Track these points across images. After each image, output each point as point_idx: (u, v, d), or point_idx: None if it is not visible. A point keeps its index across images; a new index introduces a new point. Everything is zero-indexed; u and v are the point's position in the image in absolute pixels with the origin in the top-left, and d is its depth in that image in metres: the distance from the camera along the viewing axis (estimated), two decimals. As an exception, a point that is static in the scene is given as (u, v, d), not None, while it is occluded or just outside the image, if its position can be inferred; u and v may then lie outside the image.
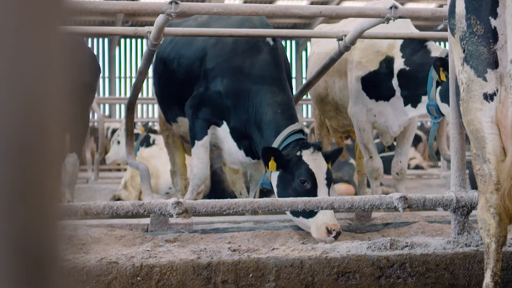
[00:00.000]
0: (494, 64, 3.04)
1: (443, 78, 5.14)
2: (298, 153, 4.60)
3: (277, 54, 5.23)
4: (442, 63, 5.09)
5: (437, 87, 5.23)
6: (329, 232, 4.25)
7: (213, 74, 5.24)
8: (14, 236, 0.70)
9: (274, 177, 4.64)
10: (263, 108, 4.99)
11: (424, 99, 5.45)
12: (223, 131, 5.27)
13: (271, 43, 5.25)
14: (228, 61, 5.21)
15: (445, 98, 5.17)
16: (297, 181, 4.51)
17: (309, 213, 4.37)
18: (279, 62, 5.20)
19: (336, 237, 4.25)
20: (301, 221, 4.41)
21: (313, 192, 4.48)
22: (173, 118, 6.01)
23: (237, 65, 5.17)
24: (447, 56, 5.22)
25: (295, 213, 4.41)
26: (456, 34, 3.19)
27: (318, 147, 4.64)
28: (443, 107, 5.22)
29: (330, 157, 4.80)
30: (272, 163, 4.56)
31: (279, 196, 4.62)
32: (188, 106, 5.45)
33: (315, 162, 4.57)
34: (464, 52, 3.13)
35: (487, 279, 3.20)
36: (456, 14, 3.16)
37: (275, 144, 4.77)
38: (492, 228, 3.16)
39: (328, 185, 4.57)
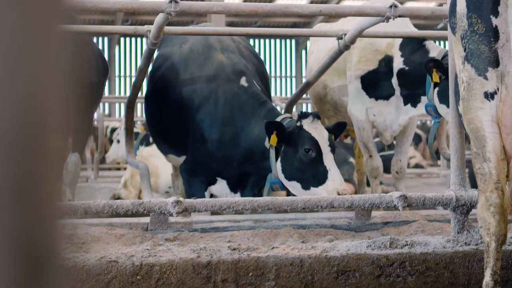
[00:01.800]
0: (495, 62, 3.04)
1: (435, 79, 5.15)
2: (298, 123, 4.61)
3: (254, 91, 5.21)
4: (435, 64, 5.10)
5: (435, 87, 5.23)
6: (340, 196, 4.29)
7: (201, 134, 5.24)
8: (14, 235, 0.70)
9: (278, 164, 4.65)
10: (251, 132, 5.01)
11: (424, 99, 5.45)
12: (219, 185, 5.30)
13: (246, 84, 5.22)
14: (212, 117, 5.20)
15: (442, 99, 5.17)
16: (301, 150, 4.53)
17: (319, 182, 4.40)
18: (258, 95, 5.19)
19: None
20: (312, 192, 4.45)
21: (319, 159, 4.51)
22: (163, 152, 6.06)
23: (220, 117, 5.18)
24: (444, 56, 5.23)
25: (305, 186, 4.43)
26: (457, 33, 3.19)
27: (317, 116, 4.67)
28: (440, 108, 5.22)
29: (332, 132, 4.81)
30: (273, 137, 4.58)
31: (287, 173, 4.62)
32: (182, 170, 5.49)
33: (316, 130, 4.59)
34: (465, 50, 3.12)
35: (487, 278, 3.20)
36: (457, 13, 3.16)
37: (267, 139, 4.79)
38: (492, 227, 3.16)
39: (332, 152, 4.59)
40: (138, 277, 3.43)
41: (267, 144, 4.74)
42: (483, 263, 3.51)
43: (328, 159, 4.52)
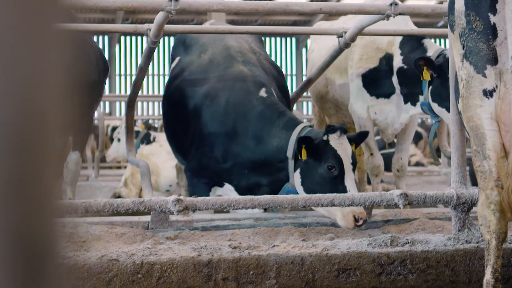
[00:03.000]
0: (494, 60, 3.04)
1: (426, 77, 5.14)
2: (325, 138, 4.56)
3: (272, 101, 5.07)
4: (425, 62, 5.09)
5: (429, 86, 5.24)
6: (356, 220, 4.22)
7: (209, 140, 5.10)
8: (14, 234, 0.70)
9: (297, 174, 4.60)
10: (270, 142, 4.86)
11: (422, 98, 5.46)
12: (227, 190, 5.15)
13: (265, 95, 5.07)
14: (223, 126, 5.05)
15: (435, 97, 5.19)
16: (324, 167, 4.45)
17: None
18: (276, 105, 5.04)
19: (361, 225, 4.22)
20: (327, 208, 4.37)
21: (340, 178, 4.44)
22: (181, 162, 5.93)
23: (234, 127, 5.03)
24: (439, 55, 5.24)
25: None
26: (455, 31, 3.19)
27: (344, 130, 4.59)
28: (433, 106, 5.23)
29: (354, 141, 4.72)
30: (304, 152, 4.50)
31: (306, 185, 4.55)
32: (186, 169, 5.36)
33: (341, 146, 4.51)
34: (463, 48, 3.13)
35: (488, 275, 3.21)
36: (455, 11, 3.16)
37: (289, 150, 4.69)
38: (492, 224, 3.17)
39: (354, 170, 4.54)
40: (139, 276, 3.44)
41: (289, 154, 4.66)
42: (484, 261, 3.51)
43: (349, 180, 4.46)
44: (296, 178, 4.62)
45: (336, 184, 4.45)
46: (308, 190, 4.56)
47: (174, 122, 5.62)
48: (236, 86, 5.15)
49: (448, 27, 3.41)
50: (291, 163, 4.69)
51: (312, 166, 4.55)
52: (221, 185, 5.17)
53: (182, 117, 5.42)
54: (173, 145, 5.88)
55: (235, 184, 5.08)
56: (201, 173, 5.20)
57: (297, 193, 4.61)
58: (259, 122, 4.97)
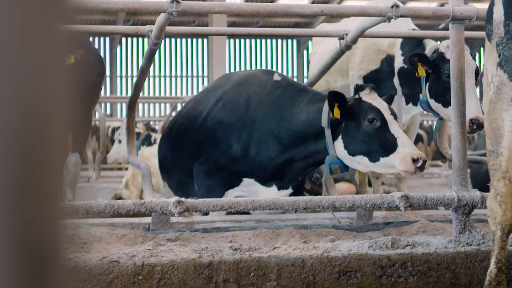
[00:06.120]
0: None
1: (421, 73, 5.18)
2: (356, 96, 4.49)
3: (288, 82, 5.02)
4: (419, 58, 5.13)
5: (426, 83, 5.28)
6: (415, 161, 4.15)
7: (226, 136, 4.95)
8: (15, 235, 0.70)
9: (339, 142, 4.51)
10: (297, 119, 4.77)
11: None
12: (245, 187, 5.00)
13: (279, 78, 5.02)
14: (240, 119, 4.94)
15: (432, 93, 5.22)
16: (365, 122, 4.38)
17: (388, 151, 4.29)
18: (293, 84, 5.00)
19: (422, 167, 4.15)
20: (382, 162, 4.32)
21: (384, 128, 4.36)
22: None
23: (252, 118, 4.90)
24: (435, 51, 5.27)
25: (374, 158, 4.32)
26: (492, 40, 3.28)
27: (373, 87, 4.54)
28: (431, 102, 5.27)
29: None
30: (336, 110, 4.41)
31: (350, 148, 4.45)
32: (199, 171, 5.11)
33: (375, 100, 4.45)
34: (499, 57, 3.23)
35: (491, 265, 3.31)
36: (493, 20, 3.25)
37: (324, 119, 4.58)
38: (498, 216, 3.26)
39: (395, 120, 4.45)
40: (140, 277, 3.44)
41: (324, 124, 4.56)
42: (484, 263, 3.53)
43: (394, 126, 4.35)
44: (338, 145, 4.51)
45: (383, 134, 4.34)
46: (353, 153, 4.46)
47: (185, 143, 5.35)
48: (248, 81, 5.10)
49: (485, 35, 3.46)
50: (328, 133, 4.56)
51: (353, 126, 4.45)
52: (238, 184, 4.99)
53: (193, 132, 5.23)
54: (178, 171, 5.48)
55: (256, 175, 4.92)
56: (216, 174, 5.01)
57: (341, 164, 4.54)
58: (280, 103, 4.87)
